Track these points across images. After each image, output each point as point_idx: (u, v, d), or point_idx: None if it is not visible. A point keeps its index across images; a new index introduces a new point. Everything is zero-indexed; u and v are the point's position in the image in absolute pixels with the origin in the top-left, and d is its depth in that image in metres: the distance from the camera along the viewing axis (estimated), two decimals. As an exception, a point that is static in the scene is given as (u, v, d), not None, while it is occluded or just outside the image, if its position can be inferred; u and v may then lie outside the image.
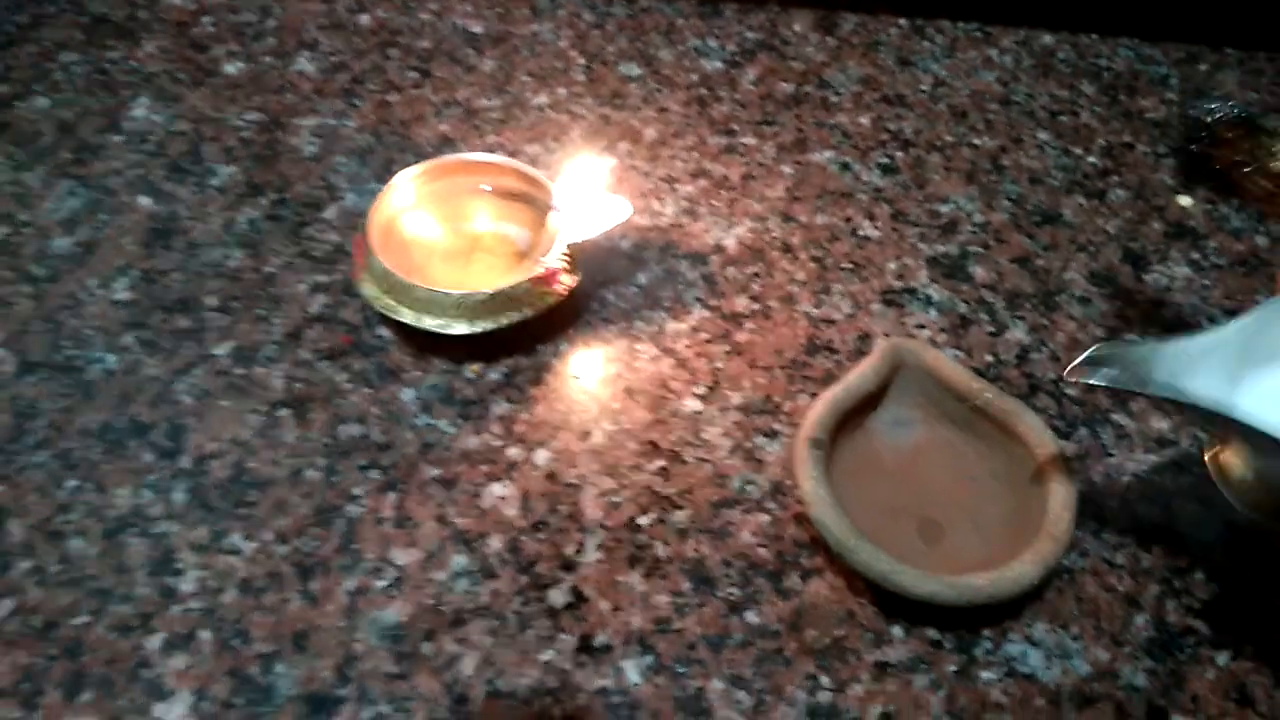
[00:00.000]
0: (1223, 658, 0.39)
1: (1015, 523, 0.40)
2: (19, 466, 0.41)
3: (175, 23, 0.59)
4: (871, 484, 0.41)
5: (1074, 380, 0.36)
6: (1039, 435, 0.40)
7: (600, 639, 0.38)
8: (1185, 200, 0.54)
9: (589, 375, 0.45)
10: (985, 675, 0.38)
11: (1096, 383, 0.35)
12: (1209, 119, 0.43)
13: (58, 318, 0.46)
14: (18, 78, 0.56)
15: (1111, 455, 0.44)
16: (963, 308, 0.49)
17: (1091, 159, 0.56)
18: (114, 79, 0.56)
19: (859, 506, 0.39)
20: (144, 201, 0.51)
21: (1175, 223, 0.53)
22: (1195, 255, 0.52)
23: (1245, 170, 0.42)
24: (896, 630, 0.39)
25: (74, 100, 0.55)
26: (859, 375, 0.42)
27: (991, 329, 0.48)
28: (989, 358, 0.47)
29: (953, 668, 0.38)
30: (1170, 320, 0.49)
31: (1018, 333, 0.48)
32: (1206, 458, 0.41)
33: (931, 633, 0.39)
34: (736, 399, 0.45)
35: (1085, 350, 0.36)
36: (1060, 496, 0.39)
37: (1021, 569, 0.37)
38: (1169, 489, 0.43)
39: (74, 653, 0.37)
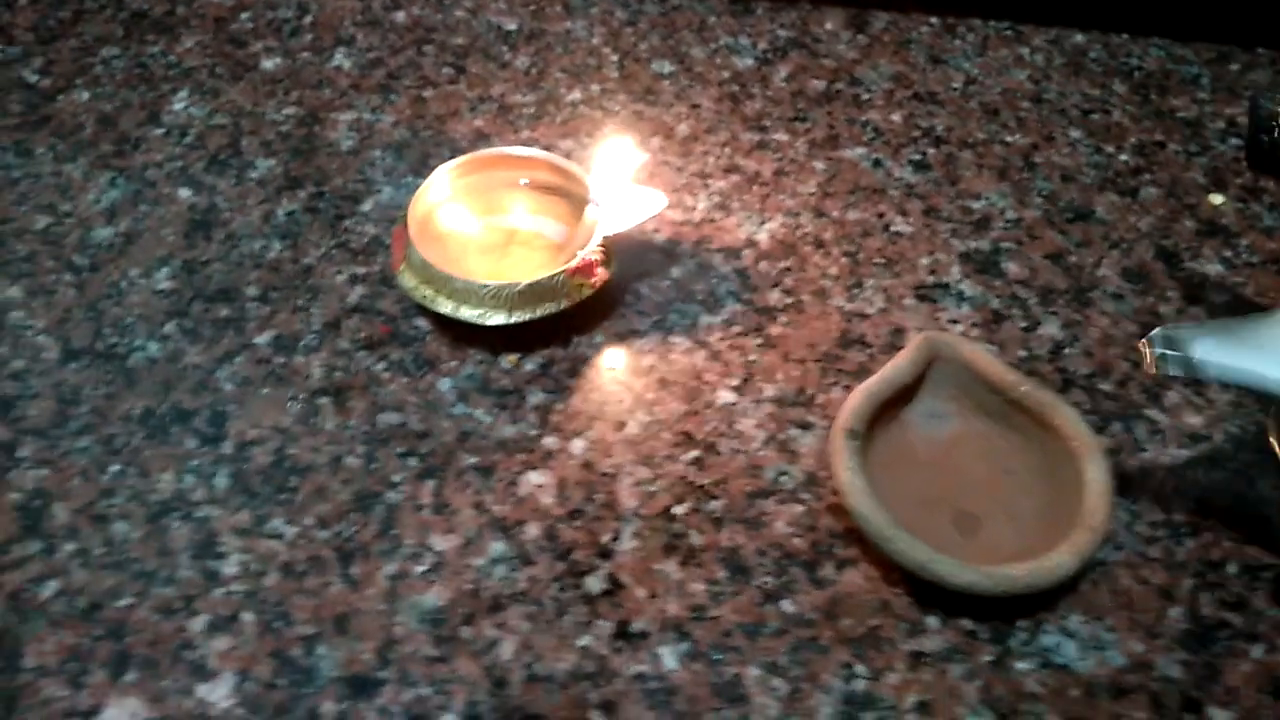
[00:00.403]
0: (1258, 651, 0.39)
1: (1050, 515, 0.40)
2: (63, 451, 0.42)
3: (214, 18, 0.60)
4: (906, 476, 0.41)
5: (1149, 367, 0.36)
6: (1075, 428, 0.40)
7: (637, 625, 0.38)
8: (1217, 199, 0.54)
9: (624, 367, 0.46)
10: (1020, 666, 0.38)
11: (1171, 370, 0.35)
12: None
13: (100, 306, 0.47)
14: (59, 72, 0.57)
15: (1145, 450, 0.44)
16: (995, 303, 0.49)
17: (1123, 157, 0.56)
18: (154, 73, 0.57)
19: (894, 498, 0.39)
20: (184, 193, 0.51)
21: (1207, 221, 0.53)
22: (1228, 253, 0.51)
23: None
24: (932, 620, 0.39)
25: (114, 94, 0.56)
26: (894, 367, 0.42)
27: (1024, 324, 0.48)
28: (1022, 353, 0.47)
29: (988, 658, 0.38)
30: (1204, 317, 0.49)
31: (1051, 328, 0.48)
32: (1272, 439, 0.42)
33: (966, 623, 0.39)
34: (770, 391, 0.45)
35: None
36: (1097, 488, 0.39)
37: (1059, 559, 0.37)
38: (1202, 484, 0.43)
39: (118, 634, 0.37)
